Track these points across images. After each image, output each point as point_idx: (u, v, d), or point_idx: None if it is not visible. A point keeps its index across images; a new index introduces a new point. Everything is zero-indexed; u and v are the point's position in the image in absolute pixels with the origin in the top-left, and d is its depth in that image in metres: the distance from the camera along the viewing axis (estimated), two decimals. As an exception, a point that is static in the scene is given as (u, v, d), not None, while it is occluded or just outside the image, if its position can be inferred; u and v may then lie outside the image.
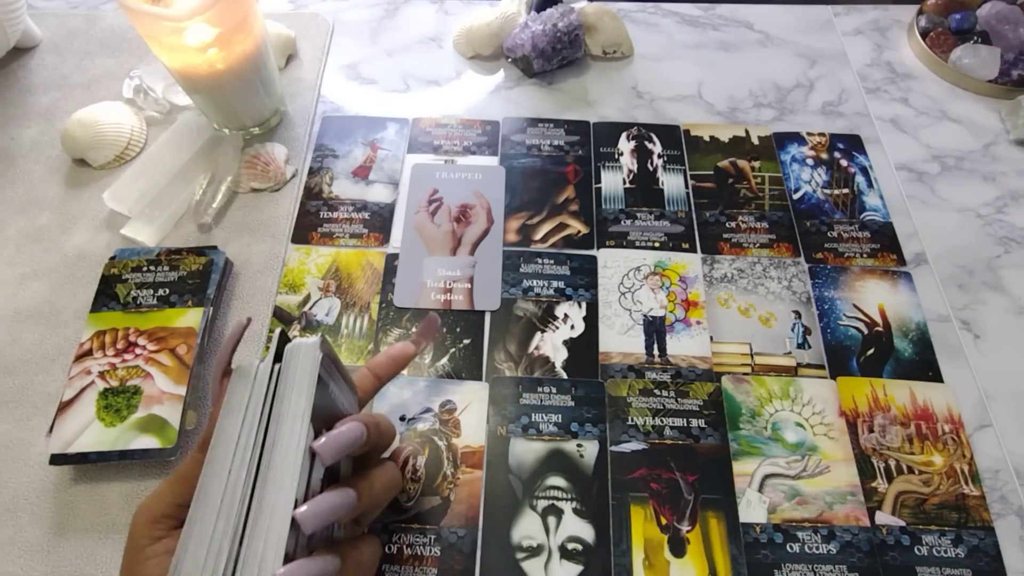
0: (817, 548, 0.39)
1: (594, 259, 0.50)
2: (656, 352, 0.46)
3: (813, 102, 0.60)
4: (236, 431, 0.27)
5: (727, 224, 0.52)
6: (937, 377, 0.45)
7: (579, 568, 0.38)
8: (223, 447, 0.27)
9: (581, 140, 0.57)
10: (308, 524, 0.25)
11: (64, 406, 0.40)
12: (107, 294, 0.45)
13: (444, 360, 0.45)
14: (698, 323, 0.47)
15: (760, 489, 0.41)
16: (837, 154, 0.56)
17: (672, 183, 0.55)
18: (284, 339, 0.30)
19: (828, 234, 0.52)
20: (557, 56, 0.60)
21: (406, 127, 0.58)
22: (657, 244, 0.51)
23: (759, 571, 0.38)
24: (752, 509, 0.40)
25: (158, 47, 0.48)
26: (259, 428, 0.27)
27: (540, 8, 0.61)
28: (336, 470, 0.31)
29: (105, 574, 0.38)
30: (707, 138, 0.58)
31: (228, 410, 0.28)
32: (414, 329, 0.35)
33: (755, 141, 0.57)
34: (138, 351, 0.43)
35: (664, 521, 0.40)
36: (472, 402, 0.44)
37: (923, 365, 0.46)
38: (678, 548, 0.39)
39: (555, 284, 0.49)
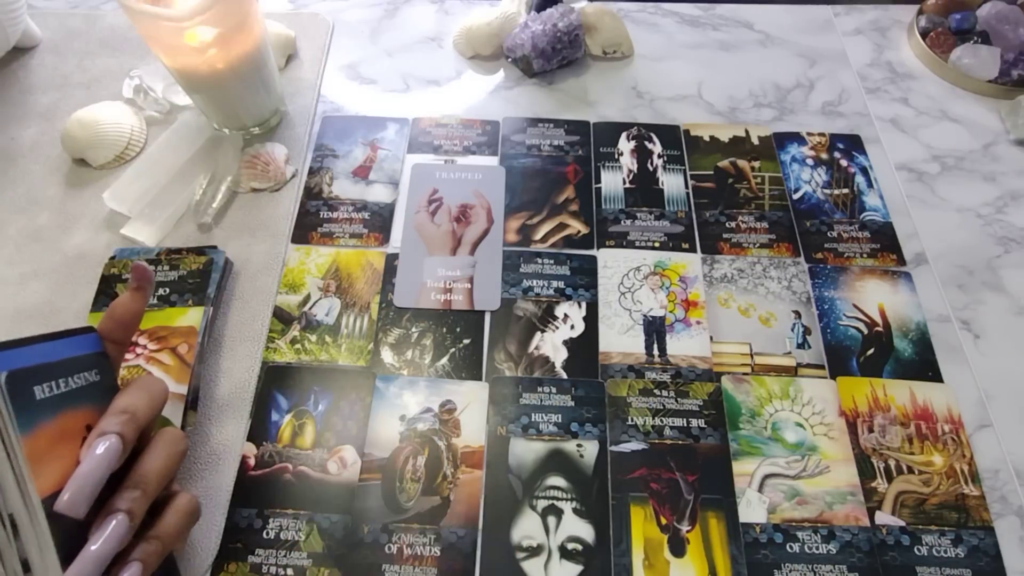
0: (817, 548, 0.39)
1: (594, 259, 0.50)
2: (656, 352, 0.46)
3: (813, 102, 0.60)
4: None
5: (727, 224, 0.52)
6: (937, 377, 0.45)
7: (579, 568, 0.38)
8: None
9: (581, 140, 0.57)
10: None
11: (64, 406, 0.40)
12: (107, 294, 0.45)
13: (444, 360, 0.45)
14: (698, 323, 0.47)
15: (760, 489, 0.41)
16: (837, 154, 0.56)
17: (672, 183, 0.55)
18: None
19: (828, 234, 0.52)
20: (557, 56, 0.60)
21: (406, 127, 0.58)
22: (657, 244, 0.51)
23: (759, 571, 0.38)
24: (752, 509, 0.40)
25: (158, 47, 0.48)
26: None
27: (540, 8, 0.61)
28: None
29: (105, 574, 0.38)
30: (707, 138, 0.58)
31: None
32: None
33: (755, 141, 0.57)
34: (139, 350, 0.43)
35: (664, 521, 0.40)
36: (472, 402, 0.44)
37: (923, 365, 0.46)
38: (678, 548, 0.39)
39: (555, 284, 0.49)
